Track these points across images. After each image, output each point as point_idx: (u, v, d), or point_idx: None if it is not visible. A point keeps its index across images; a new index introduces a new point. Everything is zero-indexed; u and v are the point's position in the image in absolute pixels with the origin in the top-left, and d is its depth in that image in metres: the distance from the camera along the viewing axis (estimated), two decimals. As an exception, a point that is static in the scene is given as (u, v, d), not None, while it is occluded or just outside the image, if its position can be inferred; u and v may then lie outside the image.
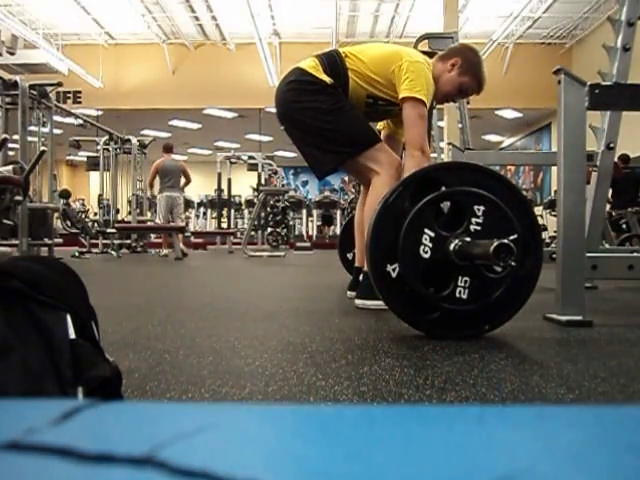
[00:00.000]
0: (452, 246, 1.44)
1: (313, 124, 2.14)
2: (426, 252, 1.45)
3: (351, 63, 2.14)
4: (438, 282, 1.49)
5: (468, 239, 1.44)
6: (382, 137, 2.46)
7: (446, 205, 1.54)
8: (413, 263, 1.45)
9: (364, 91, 2.16)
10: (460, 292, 1.46)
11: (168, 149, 7.94)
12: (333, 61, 2.16)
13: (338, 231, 13.35)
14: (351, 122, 2.13)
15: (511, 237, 1.41)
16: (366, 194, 2.27)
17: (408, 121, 2.07)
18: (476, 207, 1.46)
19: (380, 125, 2.54)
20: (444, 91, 2.23)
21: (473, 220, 1.45)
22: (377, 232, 1.50)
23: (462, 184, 1.48)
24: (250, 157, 11.53)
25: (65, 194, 8.77)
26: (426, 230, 1.45)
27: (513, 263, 1.36)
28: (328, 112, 2.10)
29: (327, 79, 2.12)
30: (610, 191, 6.58)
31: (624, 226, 6.35)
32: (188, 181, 7.87)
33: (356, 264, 2.45)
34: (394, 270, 1.48)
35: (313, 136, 2.16)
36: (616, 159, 7.00)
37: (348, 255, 3.27)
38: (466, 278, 1.46)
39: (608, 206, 6.58)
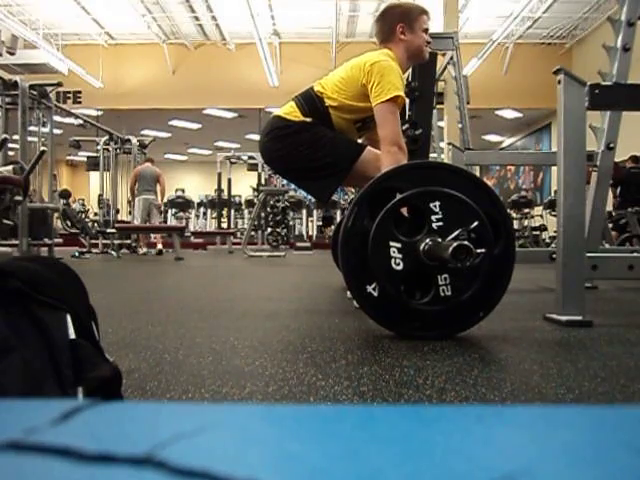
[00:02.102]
0: (421, 248, 1.44)
1: (300, 162, 2.16)
2: (398, 264, 1.45)
3: (328, 99, 2.14)
4: (420, 285, 1.50)
5: (437, 238, 1.44)
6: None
7: (405, 211, 1.55)
8: (389, 278, 1.45)
9: (350, 121, 2.17)
10: (443, 290, 1.46)
11: (148, 159, 8.67)
12: (311, 102, 2.16)
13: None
14: (334, 146, 2.14)
15: (473, 225, 1.42)
16: None
17: (379, 121, 2.06)
18: (432, 204, 1.45)
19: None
20: (419, 49, 2.22)
21: (433, 217, 1.45)
22: (347, 257, 1.50)
23: (415, 186, 1.48)
24: (250, 157, 11.53)
25: (65, 194, 8.79)
26: (391, 243, 1.45)
27: (480, 253, 1.38)
28: (310, 146, 2.12)
29: (305, 119, 2.14)
30: (618, 189, 6.58)
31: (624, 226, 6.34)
32: (162, 188, 8.46)
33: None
34: (375, 289, 1.48)
35: (305, 171, 2.19)
36: (627, 159, 7.01)
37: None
38: (445, 275, 1.46)
39: (613, 205, 6.59)
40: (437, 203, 1.45)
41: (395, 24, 2.18)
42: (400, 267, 1.45)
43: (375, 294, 1.48)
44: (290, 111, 2.17)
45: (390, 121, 2.05)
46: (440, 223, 1.45)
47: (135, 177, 8.26)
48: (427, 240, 1.44)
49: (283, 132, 2.16)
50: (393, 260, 1.45)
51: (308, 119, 2.13)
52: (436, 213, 1.45)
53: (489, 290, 1.50)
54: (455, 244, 1.32)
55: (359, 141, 2.37)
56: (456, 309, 1.48)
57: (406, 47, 2.19)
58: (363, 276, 1.48)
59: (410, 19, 2.20)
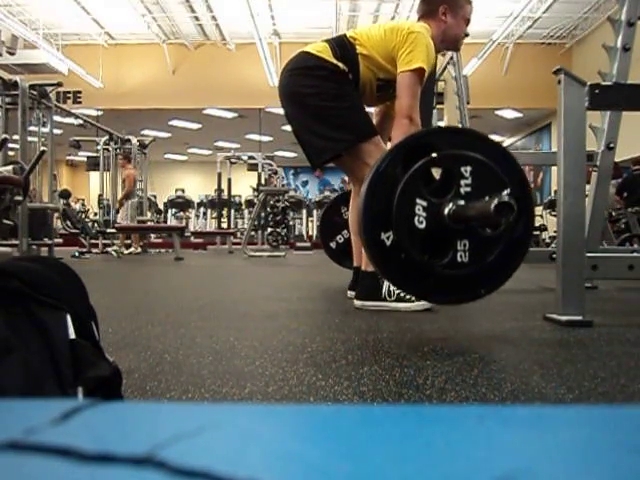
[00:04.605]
0: (446, 211, 1.42)
1: (315, 107, 2.12)
2: (421, 222, 1.43)
3: (360, 47, 2.13)
4: (435, 248, 1.47)
5: (461, 202, 1.42)
6: (377, 117, 2.45)
7: (436, 172, 1.53)
8: (410, 234, 1.43)
9: (374, 74, 2.15)
10: (461, 256, 1.44)
11: (126, 157, 8.97)
12: (343, 46, 2.14)
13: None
14: (353, 110, 2.12)
15: (505, 192, 1.41)
16: (357, 193, 2.26)
17: (399, 91, 2.05)
18: (463, 168, 1.44)
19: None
20: (456, 37, 2.23)
21: (462, 182, 1.44)
22: (369, 200, 1.48)
23: (451, 148, 1.46)
24: (250, 157, 11.53)
25: (65, 194, 8.77)
26: (418, 200, 1.42)
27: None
28: (332, 98, 2.08)
29: (337, 63, 2.10)
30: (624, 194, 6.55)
31: (623, 226, 6.33)
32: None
33: (355, 264, 2.45)
34: (388, 238, 1.45)
35: (314, 121, 2.14)
36: (634, 162, 6.96)
37: (331, 244, 3.25)
38: (465, 241, 1.44)
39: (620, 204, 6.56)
40: (469, 168, 1.43)
41: (440, 3, 2.19)
42: (423, 225, 1.42)
43: (387, 243, 1.45)
44: (321, 49, 2.13)
45: (409, 93, 2.04)
46: (468, 189, 1.43)
47: (134, 180, 8.53)
48: (454, 202, 1.42)
49: (310, 72, 2.12)
50: (417, 217, 1.43)
51: (340, 65, 2.09)
52: (466, 178, 1.43)
53: (498, 269, 1.49)
54: (499, 199, 1.28)
55: (374, 109, 2.36)
56: (462, 279, 1.47)
57: (444, 30, 2.20)
58: (381, 222, 1.45)
59: (456, 4, 2.21)
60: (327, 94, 2.09)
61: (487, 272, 1.48)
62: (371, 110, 2.45)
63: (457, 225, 1.42)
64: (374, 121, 2.43)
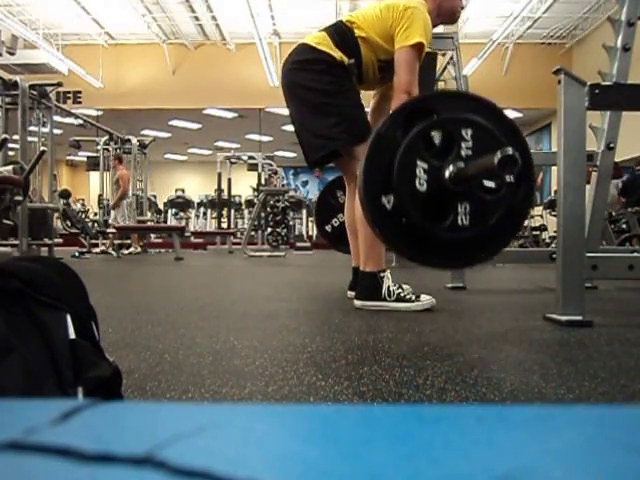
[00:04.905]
0: (447, 174, 1.41)
1: (313, 103, 2.12)
2: (422, 185, 1.41)
3: (358, 29, 2.12)
4: (436, 211, 1.46)
5: (462, 165, 1.42)
6: (374, 98, 2.45)
7: (437, 136, 1.52)
8: (411, 197, 1.42)
9: (375, 56, 2.14)
10: (462, 219, 1.43)
11: (121, 161, 8.92)
12: (342, 32, 2.13)
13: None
14: (351, 108, 2.11)
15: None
16: (353, 193, 2.26)
17: (397, 67, 2.04)
18: (464, 131, 1.43)
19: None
20: (452, 9, 2.22)
21: (463, 145, 1.43)
22: (370, 164, 1.47)
23: (451, 111, 1.46)
24: (250, 157, 11.54)
25: (65, 194, 8.79)
26: (419, 162, 1.42)
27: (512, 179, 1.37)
28: (330, 94, 2.08)
29: (336, 54, 2.09)
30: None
31: (623, 226, 6.33)
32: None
33: (353, 264, 2.45)
34: (389, 202, 1.44)
35: (311, 117, 2.14)
36: (635, 160, 6.92)
37: (327, 227, 3.24)
38: (466, 204, 1.43)
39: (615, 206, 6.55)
40: (469, 131, 1.43)
41: None
42: (424, 188, 1.41)
43: (388, 207, 1.45)
44: (320, 41, 2.12)
45: (407, 68, 2.02)
46: (469, 151, 1.42)
47: (129, 180, 8.54)
48: (454, 165, 1.41)
49: (310, 66, 2.11)
50: (418, 180, 1.42)
51: (339, 55, 2.08)
52: (467, 141, 1.43)
53: (497, 233, 1.49)
54: (502, 152, 1.26)
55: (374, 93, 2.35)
56: (462, 243, 1.46)
57: (439, 3, 2.19)
58: (381, 186, 1.45)
59: None
60: (325, 90, 2.09)
61: (487, 236, 1.47)
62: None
63: (458, 187, 1.41)
64: (372, 103, 2.43)
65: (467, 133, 1.43)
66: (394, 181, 1.42)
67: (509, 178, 1.42)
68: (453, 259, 1.50)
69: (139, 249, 8.33)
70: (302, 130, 2.22)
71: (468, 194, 1.42)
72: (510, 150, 1.25)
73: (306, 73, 2.13)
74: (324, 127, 2.10)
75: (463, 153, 1.42)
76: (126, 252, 8.00)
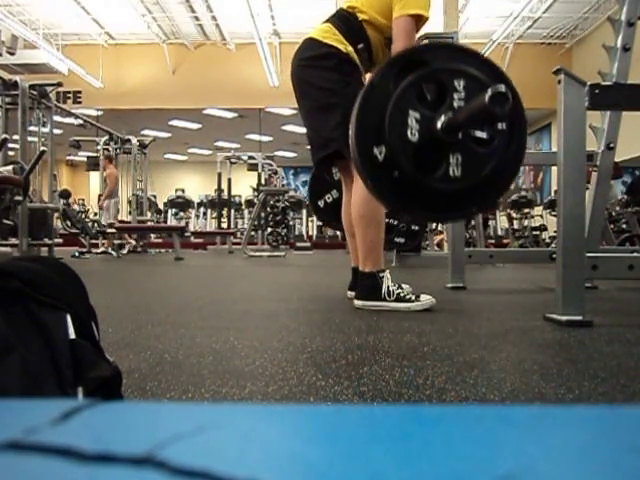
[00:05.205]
0: (439, 124, 1.40)
1: (322, 102, 2.11)
2: (414, 134, 1.40)
3: (360, 13, 2.10)
4: (427, 162, 1.45)
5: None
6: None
7: (429, 87, 1.51)
8: (402, 147, 1.41)
9: (381, 35, 2.13)
10: (454, 170, 1.42)
11: (111, 161, 8.95)
12: (345, 19, 2.12)
13: (338, 231, 13.37)
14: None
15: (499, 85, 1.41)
16: (349, 192, 2.26)
17: (394, 35, 2.02)
18: (456, 82, 1.42)
19: None
20: None
21: (455, 96, 1.42)
22: (362, 114, 1.46)
23: (444, 63, 1.45)
24: (250, 157, 11.54)
25: (65, 194, 8.79)
26: (411, 111, 1.40)
27: (504, 126, 1.36)
28: (338, 94, 2.07)
29: (344, 46, 2.08)
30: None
31: (624, 226, 6.32)
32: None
33: (353, 264, 2.45)
34: (380, 153, 1.43)
35: (318, 115, 2.13)
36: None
37: (319, 202, 3.22)
38: (457, 155, 1.42)
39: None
40: (462, 82, 1.42)
41: None
42: (415, 138, 1.40)
43: (380, 158, 1.43)
44: (327, 34, 2.11)
45: (405, 37, 2.00)
46: (461, 103, 1.42)
47: (117, 180, 8.58)
48: (445, 115, 1.40)
49: (319, 62, 2.10)
50: (410, 129, 1.41)
51: (346, 47, 2.06)
52: (459, 92, 1.42)
53: (489, 187, 1.48)
54: (493, 89, 1.25)
55: None
56: (453, 195, 1.45)
57: None
58: (373, 137, 1.43)
59: None
60: (332, 90, 2.08)
61: (478, 189, 1.46)
62: None
63: (450, 137, 1.40)
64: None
65: (459, 84, 1.42)
66: (386, 131, 1.41)
67: (501, 126, 1.41)
68: (444, 211, 1.48)
69: (133, 242, 8.32)
70: (309, 128, 2.23)
71: (460, 145, 1.41)
72: (501, 87, 1.25)
73: (315, 70, 2.12)
74: (328, 127, 2.10)
75: (455, 104, 1.41)
76: (124, 252, 8.00)
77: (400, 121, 1.41)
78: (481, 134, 1.43)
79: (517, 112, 1.48)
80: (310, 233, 14.22)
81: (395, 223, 4.75)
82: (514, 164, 1.50)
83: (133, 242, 8.35)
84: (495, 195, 1.52)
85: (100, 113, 13.34)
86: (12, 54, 9.28)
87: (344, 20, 2.13)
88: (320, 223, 13.74)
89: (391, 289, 2.07)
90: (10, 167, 4.57)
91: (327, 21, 2.18)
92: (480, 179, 1.44)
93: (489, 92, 1.24)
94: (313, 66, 2.13)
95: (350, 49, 2.10)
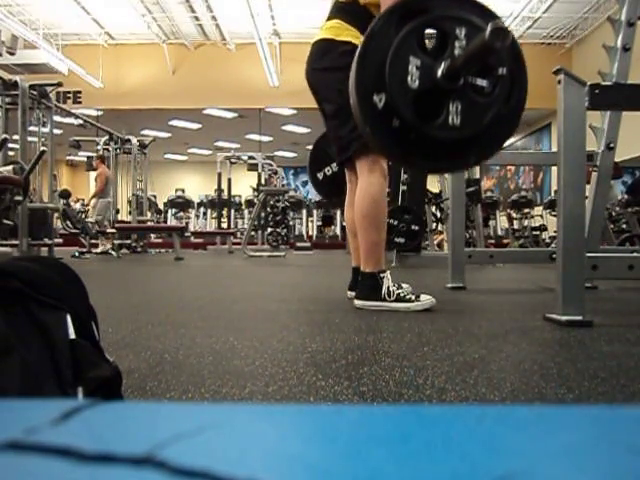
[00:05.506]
0: (440, 71, 1.39)
1: (337, 106, 2.10)
2: (414, 81, 1.40)
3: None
4: (427, 111, 1.44)
5: None
6: None
7: (430, 34, 1.50)
8: (402, 93, 1.40)
9: None
10: (454, 118, 1.41)
11: (103, 161, 8.91)
12: (350, 9, 2.10)
13: (338, 231, 13.39)
14: None
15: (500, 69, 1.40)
16: (353, 193, 2.26)
17: None
18: (458, 30, 1.41)
19: None
20: None
21: (456, 44, 1.41)
22: (362, 62, 1.45)
23: (445, 10, 1.44)
24: (250, 157, 11.54)
25: (65, 194, 8.79)
26: (411, 58, 1.40)
27: (504, 72, 1.36)
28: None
29: (357, 40, 2.07)
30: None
31: (624, 226, 6.32)
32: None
33: (353, 264, 2.45)
34: (380, 101, 1.42)
35: (334, 120, 2.13)
36: None
37: (318, 175, 3.20)
38: (457, 103, 1.41)
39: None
40: (463, 30, 1.41)
41: None
42: (415, 85, 1.39)
43: (379, 106, 1.43)
44: (339, 31, 2.09)
45: None
46: (462, 51, 1.40)
47: (106, 179, 8.49)
48: (446, 63, 1.39)
49: (336, 64, 2.06)
50: (410, 76, 1.40)
51: (355, 39, 2.03)
52: (460, 40, 1.41)
53: (490, 137, 1.47)
54: (493, 24, 1.24)
55: None
56: (454, 144, 1.45)
57: None
58: (373, 84, 1.43)
59: None
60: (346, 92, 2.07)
61: (477, 139, 1.45)
62: None
63: (451, 84, 1.39)
64: None
65: (460, 31, 1.41)
66: (386, 78, 1.40)
67: (501, 71, 1.40)
68: (444, 161, 1.48)
69: (108, 246, 8.19)
70: (331, 129, 2.23)
71: (460, 93, 1.40)
72: (501, 22, 1.24)
73: (333, 73, 2.09)
74: (347, 128, 2.08)
75: (456, 52, 1.40)
76: (98, 251, 7.93)
77: (400, 68, 1.39)
78: (481, 82, 1.42)
79: (517, 62, 1.47)
80: (310, 233, 14.22)
81: (395, 223, 4.75)
82: (515, 115, 1.49)
83: (109, 245, 8.21)
84: (495, 146, 1.51)
85: (100, 113, 13.34)
86: (12, 54, 9.28)
87: (348, 10, 2.10)
88: (320, 224, 13.76)
89: (391, 289, 2.07)
90: (10, 167, 4.57)
91: (333, 17, 2.15)
92: (480, 128, 1.42)
93: (489, 27, 1.23)
94: (331, 69, 2.09)
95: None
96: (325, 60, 2.13)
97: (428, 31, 1.47)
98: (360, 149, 2.10)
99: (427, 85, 1.40)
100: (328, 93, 2.14)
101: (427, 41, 1.48)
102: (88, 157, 10.40)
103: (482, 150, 1.50)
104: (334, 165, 3.06)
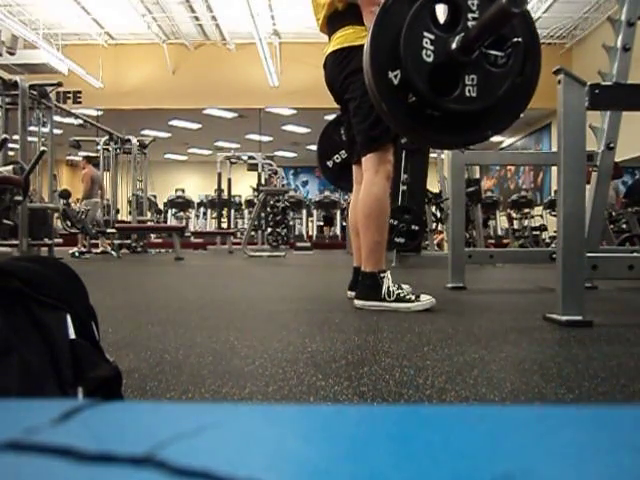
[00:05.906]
0: (454, 45, 1.39)
1: (356, 110, 2.13)
2: (429, 55, 1.39)
3: None
4: (442, 85, 1.43)
5: None
6: None
7: (443, 8, 1.49)
8: (417, 68, 1.40)
9: None
10: (470, 90, 1.41)
11: (90, 161, 8.85)
12: (350, 11, 2.08)
13: (338, 231, 13.39)
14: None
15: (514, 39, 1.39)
16: (359, 192, 2.26)
17: None
18: (470, 2, 1.41)
19: None
20: None
21: (469, 16, 1.41)
22: (377, 38, 1.45)
23: None
24: (250, 157, 11.54)
25: (65, 194, 8.79)
26: (425, 33, 1.39)
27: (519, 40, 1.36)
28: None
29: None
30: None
31: (624, 226, 6.32)
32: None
33: (354, 264, 2.45)
34: (396, 77, 1.43)
35: (367, 113, 2.12)
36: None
37: (328, 163, 3.19)
38: (473, 76, 1.41)
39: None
40: (475, 1, 1.41)
41: None
42: (430, 59, 1.39)
43: (395, 82, 1.43)
44: (354, 37, 2.09)
45: None
46: (475, 22, 1.40)
47: (92, 180, 8.35)
48: (460, 36, 1.38)
49: (354, 76, 2.06)
50: (424, 51, 1.40)
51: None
52: (473, 12, 1.41)
53: (504, 110, 1.47)
54: None
55: None
56: (469, 117, 1.44)
57: None
58: (388, 60, 1.43)
59: None
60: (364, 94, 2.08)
61: (493, 110, 1.45)
62: None
63: (466, 57, 1.38)
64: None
65: (473, 4, 1.40)
66: (401, 52, 1.39)
67: (516, 40, 1.39)
68: (460, 134, 1.47)
69: (108, 247, 8.18)
70: (354, 125, 2.23)
71: (475, 65, 1.40)
72: None
73: (360, 73, 2.11)
74: (368, 124, 2.09)
75: (470, 25, 1.39)
76: (98, 251, 7.89)
77: (414, 44, 1.39)
78: (496, 52, 1.41)
79: (530, 32, 1.46)
80: (310, 233, 14.22)
81: (395, 223, 4.75)
82: (529, 85, 1.48)
83: (108, 247, 8.17)
84: (511, 117, 1.50)
85: (100, 113, 13.33)
86: (12, 54, 9.29)
87: (354, 14, 2.08)
88: (320, 224, 13.75)
89: (391, 289, 2.07)
90: (10, 167, 4.57)
91: (341, 25, 2.14)
92: (496, 99, 1.42)
93: None
94: (360, 69, 2.13)
95: None
96: (352, 64, 2.12)
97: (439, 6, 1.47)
98: (371, 147, 2.11)
99: (442, 59, 1.40)
100: (354, 92, 2.15)
101: (440, 12, 1.47)
102: (84, 157, 10.40)
103: (498, 122, 1.49)
104: (342, 152, 3.07)
